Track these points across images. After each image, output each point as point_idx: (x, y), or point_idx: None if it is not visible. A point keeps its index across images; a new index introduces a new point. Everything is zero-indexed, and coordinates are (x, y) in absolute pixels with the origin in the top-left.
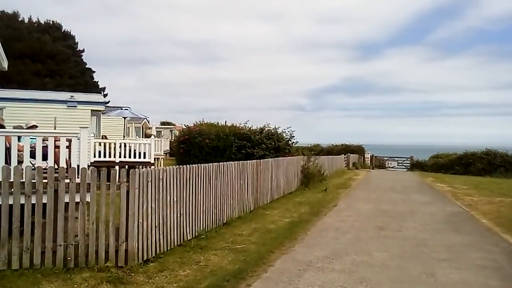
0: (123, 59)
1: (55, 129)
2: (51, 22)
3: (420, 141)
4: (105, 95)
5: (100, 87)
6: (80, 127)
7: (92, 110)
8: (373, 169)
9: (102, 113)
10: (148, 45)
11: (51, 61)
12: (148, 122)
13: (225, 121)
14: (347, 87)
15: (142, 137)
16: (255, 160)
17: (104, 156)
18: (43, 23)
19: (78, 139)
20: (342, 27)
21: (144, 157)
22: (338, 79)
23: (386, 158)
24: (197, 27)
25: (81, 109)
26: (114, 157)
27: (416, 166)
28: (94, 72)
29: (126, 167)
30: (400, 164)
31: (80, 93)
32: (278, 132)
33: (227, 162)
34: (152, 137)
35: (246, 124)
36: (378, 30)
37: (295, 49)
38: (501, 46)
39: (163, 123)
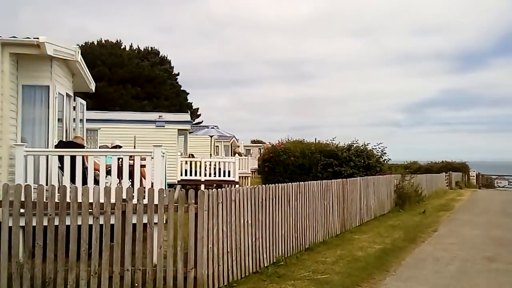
0: (216, 81)
1: (134, 148)
2: (149, 48)
3: None
4: (198, 115)
5: (193, 107)
6: (154, 145)
7: (179, 130)
8: (479, 188)
9: (190, 132)
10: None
11: (149, 85)
12: (237, 140)
13: (315, 139)
14: (447, 100)
15: (231, 155)
16: (340, 180)
17: (191, 175)
18: (142, 49)
19: (152, 158)
20: (439, 38)
21: (229, 176)
22: (437, 92)
23: (495, 177)
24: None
25: (169, 128)
26: (200, 175)
27: None
28: (188, 93)
29: (215, 185)
30: (511, 183)
31: (168, 113)
32: (368, 149)
33: (309, 182)
34: (237, 155)
35: (333, 141)
36: (480, 39)
37: (389, 63)
38: None
39: (253, 142)
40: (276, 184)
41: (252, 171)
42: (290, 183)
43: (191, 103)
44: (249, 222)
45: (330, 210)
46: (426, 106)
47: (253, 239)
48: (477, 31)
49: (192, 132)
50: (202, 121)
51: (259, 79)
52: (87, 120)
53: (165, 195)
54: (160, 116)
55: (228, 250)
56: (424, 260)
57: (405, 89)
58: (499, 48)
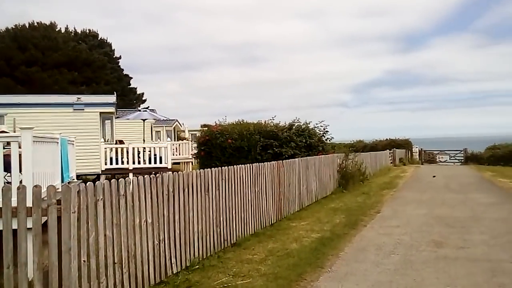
0: (166, 66)
1: (14, 131)
2: (87, 31)
3: (472, 132)
4: (144, 101)
5: (138, 92)
6: (21, 128)
7: (101, 113)
8: (422, 164)
9: (117, 117)
10: (190, 50)
11: (87, 69)
12: (181, 124)
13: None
14: (392, 80)
15: (175, 140)
16: (275, 162)
17: (117, 163)
18: (80, 32)
19: (19, 145)
20: (384, 19)
21: (160, 162)
22: (382, 72)
23: (437, 152)
24: (237, 30)
25: (89, 111)
26: (127, 163)
27: (470, 159)
28: (131, 78)
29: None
30: (452, 158)
31: (89, 95)
32: (310, 128)
33: (234, 166)
34: (168, 139)
35: (273, 120)
36: (422, 20)
37: (337, 45)
38: None
39: (203, 126)
40: (188, 172)
41: (194, 156)
42: (207, 169)
43: (136, 88)
44: (149, 221)
45: (263, 196)
46: (372, 87)
47: (156, 242)
48: (418, 12)
49: (120, 117)
50: (148, 106)
51: (210, 63)
52: None
53: (11, 195)
54: (78, 98)
55: (116, 261)
56: (365, 249)
57: (352, 70)
58: (439, 29)
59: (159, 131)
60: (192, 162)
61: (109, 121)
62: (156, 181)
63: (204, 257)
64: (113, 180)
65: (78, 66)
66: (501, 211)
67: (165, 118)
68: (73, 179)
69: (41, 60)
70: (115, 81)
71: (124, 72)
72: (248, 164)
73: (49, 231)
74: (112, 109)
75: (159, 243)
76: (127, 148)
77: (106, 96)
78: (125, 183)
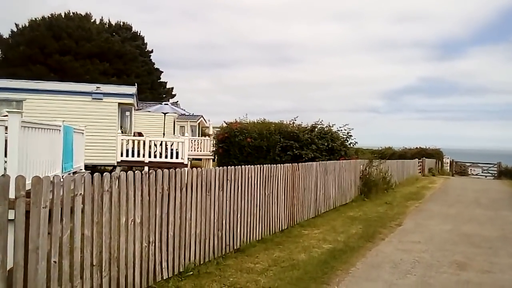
0: (198, 63)
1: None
2: (121, 23)
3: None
4: (173, 95)
5: (167, 87)
6: (8, 111)
7: (120, 103)
8: (452, 176)
9: (138, 109)
10: (223, 48)
11: (118, 61)
12: (206, 121)
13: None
14: (426, 87)
15: (199, 136)
16: (289, 164)
17: (133, 156)
18: (114, 24)
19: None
20: (421, 25)
21: (177, 157)
22: (416, 79)
23: (469, 164)
24: (271, 29)
25: (107, 102)
26: (143, 156)
27: (504, 174)
28: (162, 72)
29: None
30: (485, 171)
31: (108, 85)
32: (333, 131)
33: (243, 166)
34: (186, 134)
35: (294, 121)
36: (460, 28)
37: (371, 49)
38: None
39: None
40: (188, 169)
41: (212, 153)
42: (210, 168)
43: (166, 82)
44: (138, 220)
45: (274, 200)
46: (405, 93)
47: (145, 244)
48: (456, 20)
49: (141, 109)
50: (177, 101)
51: (242, 62)
52: (8, 89)
53: None
54: (97, 87)
55: (95, 263)
56: (379, 266)
57: (385, 75)
58: (476, 38)
59: (184, 126)
60: (213, 159)
61: (129, 112)
62: (149, 178)
63: (201, 263)
64: (96, 174)
65: (110, 57)
66: None
67: (187, 113)
68: (81, 170)
69: (74, 49)
70: (146, 74)
71: (155, 66)
72: (258, 165)
73: (15, 227)
74: (131, 100)
75: (149, 245)
76: (144, 142)
77: (126, 87)
78: (110, 178)
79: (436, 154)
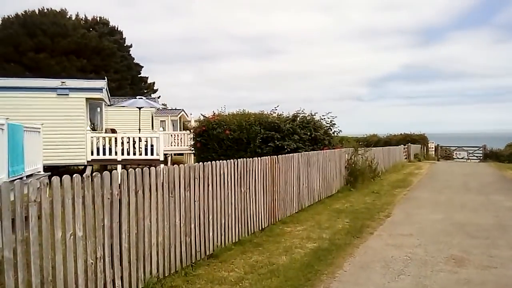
0: (181, 56)
1: None
2: (98, 18)
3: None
4: (155, 90)
5: (148, 82)
6: None
7: (88, 98)
8: (438, 160)
9: (110, 105)
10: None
11: (96, 57)
12: (187, 114)
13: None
14: (409, 74)
15: (180, 131)
16: (268, 157)
17: (104, 154)
18: (90, 19)
19: None
20: (402, 13)
21: (152, 154)
22: (399, 66)
23: (454, 148)
24: (254, 21)
25: (74, 97)
26: (116, 154)
27: (490, 156)
28: (142, 67)
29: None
30: (470, 155)
31: (75, 80)
32: (315, 119)
33: (213, 162)
34: (161, 129)
35: (275, 110)
36: (441, 14)
37: (353, 38)
38: None
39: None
40: (145, 169)
41: (190, 148)
42: (173, 166)
43: (147, 77)
44: (80, 234)
45: (251, 197)
46: (388, 80)
47: (91, 261)
48: (437, 7)
49: (113, 105)
50: (159, 96)
51: (226, 55)
52: None
53: None
54: (62, 82)
55: None
56: (368, 266)
57: (368, 63)
58: (458, 23)
59: (164, 120)
60: (194, 154)
61: (100, 108)
62: (92, 182)
63: (166, 275)
64: (17, 181)
65: (87, 53)
66: None
67: (169, 108)
68: (39, 172)
69: (49, 47)
70: (125, 69)
71: (135, 61)
72: (232, 160)
73: None
74: (100, 95)
75: (96, 261)
76: (116, 138)
77: (94, 81)
78: (39, 187)
79: (421, 140)
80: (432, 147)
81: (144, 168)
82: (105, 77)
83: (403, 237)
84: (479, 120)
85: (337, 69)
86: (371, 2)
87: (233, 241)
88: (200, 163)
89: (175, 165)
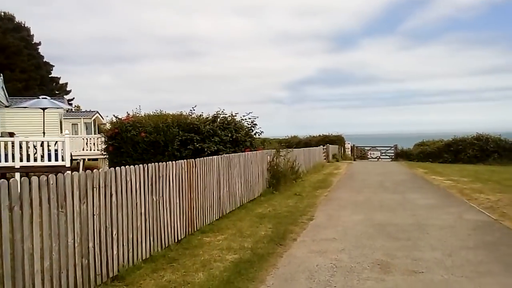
0: (99, 57)
1: None
2: (2, 13)
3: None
4: (67, 91)
5: (60, 82)
6: None
7: None
8: (354, 160)
9: (6, 106)
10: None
11: (0, 55)
12: (102, 117)
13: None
14: (325, 78)
15: (95, 133)
16: (184, 161)
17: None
18: None
19: None
20: (319, 19)
21: (56, 160)
22: (316, 70)
23: (368, 148)
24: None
25: None
26: (14, 161)
27: (400, 155)
28: (53, 66)
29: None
30: (383, 154)
31: None
32: (236, 120)
33: (114, 168)
34: (67, 132)
35: (193, 111)
36: (352, 21)
37: (274, 43)
38: (472, 33)
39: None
40: (24, 179)
41: (102, 152)
42: (63, 175)
43: (58, 77)
44: None
45: (165, 206)
46: (307, 84)
47: None
48: (349, 14)
49: (9, 106)
50: (73, 98)
51: (147, 56)
52: None
53: None
54: None
55: None
56: (293, 278)
57: (288, 67)
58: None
59: (77, 123)
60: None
61: None
62: None
63: None
64: None
65: None
66: (445, 216)
67: (75, 109)
68: None
69: None
70: (33, 69)
71: (45, 60)
72: (141, 165)
73: None
74: None
75: None
76: (13, 143)
77: None
78: None
79: (338, 140)
80: (349, 147)
81: (23, 178)
82: (1, 74)
83: (327, 242)
84: (390, 121)
85: (259, 73)
86: (288, 8)
87: (144, 258)
88: (101, 169)
89: (67, 173)
